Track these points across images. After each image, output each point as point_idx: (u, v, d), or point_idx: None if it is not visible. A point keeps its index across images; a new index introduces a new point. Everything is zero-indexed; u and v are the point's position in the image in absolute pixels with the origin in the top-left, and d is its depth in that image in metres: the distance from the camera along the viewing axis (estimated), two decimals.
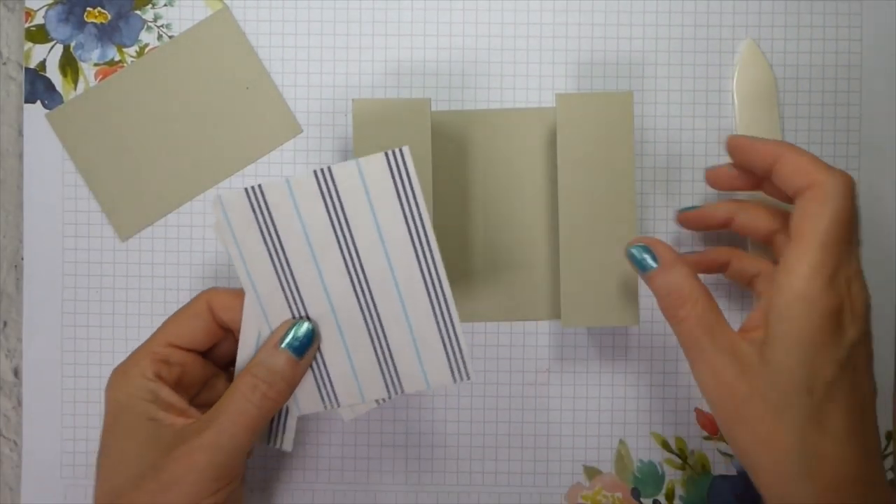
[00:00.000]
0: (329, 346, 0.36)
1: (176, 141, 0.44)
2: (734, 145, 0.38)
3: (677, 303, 0.35)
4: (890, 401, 0.44)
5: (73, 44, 0.44)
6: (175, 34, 0.44)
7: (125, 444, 0.34)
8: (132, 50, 0.44)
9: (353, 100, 0.40)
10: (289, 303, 0.36)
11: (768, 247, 0.40)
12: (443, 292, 0.36)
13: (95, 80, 0.44)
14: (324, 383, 0.37)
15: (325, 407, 0.37)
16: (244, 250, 0.35)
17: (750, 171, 0.38)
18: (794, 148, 0.36)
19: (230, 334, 0.38)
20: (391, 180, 0.34)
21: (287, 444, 0.38)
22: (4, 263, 0.45)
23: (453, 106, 0.44)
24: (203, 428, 0.34)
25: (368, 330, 0.36)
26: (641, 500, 0.44)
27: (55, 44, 0.44)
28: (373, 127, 0.39)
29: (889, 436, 0.44)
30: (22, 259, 0.44)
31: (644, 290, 0.39)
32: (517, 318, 0.43)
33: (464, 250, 0.43)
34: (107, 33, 0.44)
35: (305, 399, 0.37)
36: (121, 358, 0.44)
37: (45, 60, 0.44)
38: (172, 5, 0.44)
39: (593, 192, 0.39)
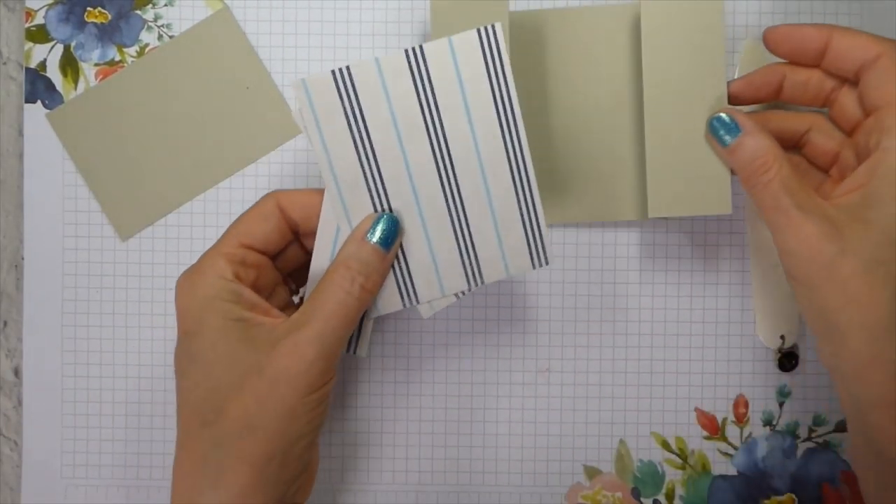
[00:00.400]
0: (410, 238, 0.36)
1: (176, 141, 0.44)
2: (778, 34, 0.37)
3: (761, 168, 0.34)
4: None
5: (73, 44, 0.44)
6: (175, 34, 0.44)
7: (217, 347, 0.33)
8: (132, 50, 0.44)
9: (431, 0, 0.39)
10: (371, 194, 0.35)
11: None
12: (527, 174, 0.35)
13: (96, 80, 0.44)
14: (403, 280, 0.36)
15: (405, 305, 0.36)
16: (327, 137, 0.34)
17: (797, 59, 0.37)
18: (841, 27, 0.35)
19: (295, 241, 0.37)
20: (482, 57, 0.34)
21: (363, 350, 0.37)
22: (4, 263, 0.45)
23: (531, 5, 0.44)
24: (305, 322, 0.33)
25: (451, 217, 0.35)
26: (641, 499, 0.44)
27: (55, 44, 0.44)
28: (450, 27, 0.39)
29: None
30: (22, 259, 0.44)
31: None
32: (604, 217, 0.43)
33: (547, 152, 0.43)
34: (107, 33, 0.44)
35: (385, 299, 0.36)
36: (121, 358, 0.44)
37: (45, 60, 0.44)
38: (172, 5, 0.44)
39: (679, 82, 0.38)
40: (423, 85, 0.34)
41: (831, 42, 0.36)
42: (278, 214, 0.36)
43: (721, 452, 0.44)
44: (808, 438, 0.44)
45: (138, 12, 0.44)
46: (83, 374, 0.44)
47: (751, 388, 0.44)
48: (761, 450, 0.44)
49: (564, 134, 0.43)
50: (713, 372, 0.44)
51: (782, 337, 0.43)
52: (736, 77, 0.43)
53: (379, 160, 0.35)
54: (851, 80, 0.36)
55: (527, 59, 0.43)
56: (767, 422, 0.44)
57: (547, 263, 0.37)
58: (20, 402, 0.44)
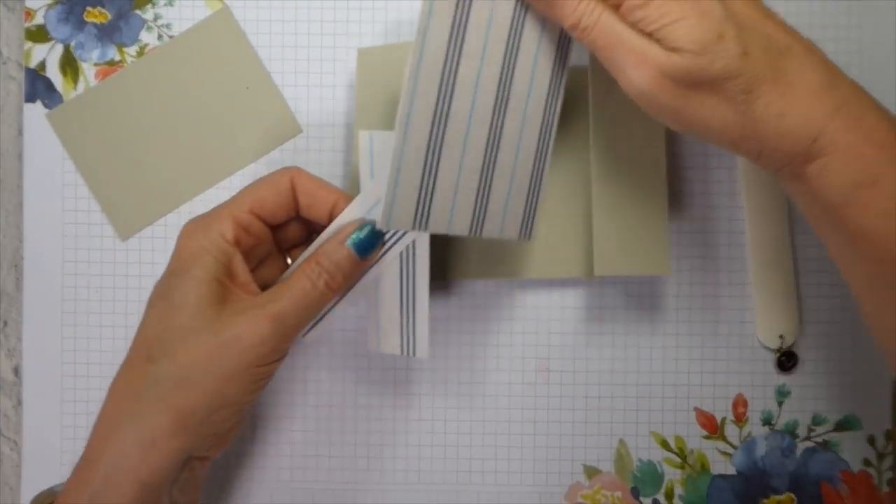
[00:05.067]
0: (448, 159, 0.34)
1: (176, 141, 0.44)
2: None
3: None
4: (890, 402, 0.44)
5: (73, 43, 0.44)
6: (175, 34, 0.44)
7: (189, 294, 0.35)
8: (132, 50, 0.44)
9: (358, 49, 0.40)
10: (439, 98, 0.33)
11: None
12: (548, 148, 0.37)
13: (95, 79, 0.44)
14: (425, 198, 0.34)
15: (414, 227, 0.34)
16: (426, 45, 0.32)
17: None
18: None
19: (297, 218, 0.39)
20: None
21: (422, 350, 0.38)
22: (4, 263, 0.45)
23: None
24: (269, 301, 0.35)
25: (485, 154, 0.35)
26: (641, 499, 0.44)
27: (55, 43, 0.44)
28: (377, 75, 0.39)
29: (889, 435, 0.44)
30: (22, 259, 0.44)
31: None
32: (553, 274, 0.43)
33: None
34: (107, 33, 0.44)
35: (399, 213, 0.33)
36: (121, 357, 0.44)
37: (45, 60, 0.44)
38: (172, 5, 0.44)
39: (625, 150, 0.40)
40: (522, 4, 0.34)
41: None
42: (290, 192, 0.37)
43: (720, 452, 0.44)
44: (808, 438, 0.44)
45: (138, 12, 0.44)
46: (83, 374, 0.44)
47: (750, 388, 0.44)
48: (760, 449, 0.44)
49: None
50: (713, 371, 0.44)
51: (782, 337, 0.44)
52: None
53: (459, 68, 0.33)
54: None
55: None
56: (766, 421, 0.44)
57: (529, 239, 0.38)
58: (20, 402, 0.44)
